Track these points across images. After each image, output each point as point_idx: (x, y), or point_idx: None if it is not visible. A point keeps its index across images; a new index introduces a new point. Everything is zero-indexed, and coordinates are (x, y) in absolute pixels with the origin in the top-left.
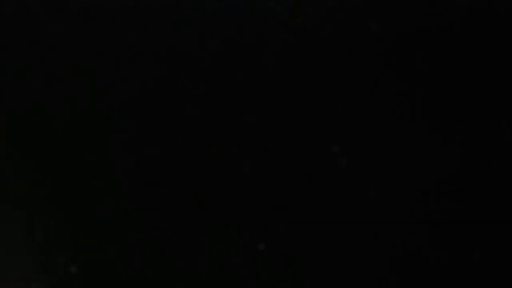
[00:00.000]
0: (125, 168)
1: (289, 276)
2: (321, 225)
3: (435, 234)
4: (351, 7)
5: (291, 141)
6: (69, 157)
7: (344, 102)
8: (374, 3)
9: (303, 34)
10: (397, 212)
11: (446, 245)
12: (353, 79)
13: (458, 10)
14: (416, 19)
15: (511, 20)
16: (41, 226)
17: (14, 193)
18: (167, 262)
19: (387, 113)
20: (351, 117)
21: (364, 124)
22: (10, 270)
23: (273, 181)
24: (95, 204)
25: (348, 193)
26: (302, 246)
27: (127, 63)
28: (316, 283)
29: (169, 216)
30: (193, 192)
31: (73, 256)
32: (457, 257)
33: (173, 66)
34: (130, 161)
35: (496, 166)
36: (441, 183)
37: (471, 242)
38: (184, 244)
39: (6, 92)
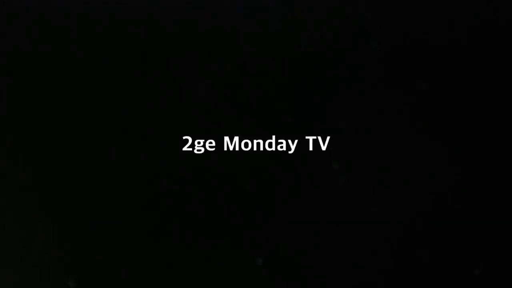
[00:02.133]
0: (124, 179)
1: None
2: (320, 241)
3: (436, 250)
4: (353, 26)
5: (290, 157)
6: (68, 166)
7: (344, 119)
8: (375, 23)
9: (305, 52)
10: (397, 229)
11: (446, 261)
12: (354, 96)
13: (456, 29)
14: (415, 38)
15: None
16: (39, 239)
17: (11, 205)
18: (165, 277)
19: (388, 130)
20: (351, 134)
21: (365, 141)
22: (7, 283)
23: (272, 196)
24: (94, 216)
25: (348, 209)
26: (301, 261)
27: (126, 64)
28: None
29: (167, 231)
30: (191, 207)
31: (70, 269)
32: (457, 273)
33: (173, 66)
34: (128, 173)
35: (497, 183)
36: (441, 201)
37: (471, 258)
38: (182, 260)
39: (5, 93)
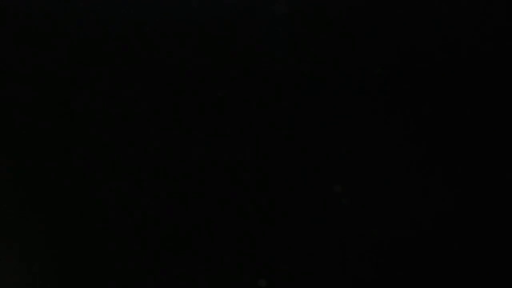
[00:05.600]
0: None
1: None
2: (322, 262)
3: (435, 271)
4: (358, 54)
5: (294, 179)
6: (65, 167)
7: (346, 143)
8: (378, 51)
9: (312, 77)
10: (397, 250)
11: (448, 283)
12: (357, 120)
13: (455, 54)
14: (417, 64)
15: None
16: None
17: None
18: None
19: (389, 153)
20: (353, 157)
21: (366, 164)
22: None
23: (275, 218)
24: (93, 241)
25: (350, 230)
26: (303, 282)
27: (127, 65)
28: None
29: (166, 252)
30: (194, 229)
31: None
32: None
33: (174, 67)
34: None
35: (493, 208)
36: (439, 222)
37: (469, 279)
38: (185, 281)
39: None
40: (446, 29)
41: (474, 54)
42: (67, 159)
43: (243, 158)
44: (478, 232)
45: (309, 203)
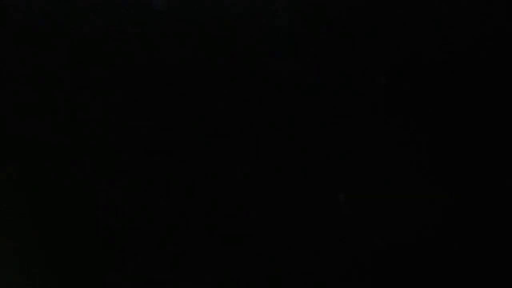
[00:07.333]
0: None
1: None
2: (324, 272)
3: (438, 281)
4: (363, 64)
5: (296, 188)
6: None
7: (350, 152)
8: (383, 60)
9: (314, 86)
10: (401, 260)
11: None
12: (361, 129)
13: (460, 64)
14: (422, 73)
15: None
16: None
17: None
18: None
19: (393, 163)
20: (357, 166)
21: (370, 173)
22: None
23: (277, 227)
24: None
25: (353, 240)
26: None
27: (127, 65)
28: None
29: (169, 258)
30: (195, 242)
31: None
32: None
33: (174, 67)
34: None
35: (500, 220)
36: (445, 233)
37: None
38: None
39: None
40: (447, 29)
41: (476, 55)
42: (67, 159)
43: (242, 162)
44: (486, 246)
45: (312, 212)
